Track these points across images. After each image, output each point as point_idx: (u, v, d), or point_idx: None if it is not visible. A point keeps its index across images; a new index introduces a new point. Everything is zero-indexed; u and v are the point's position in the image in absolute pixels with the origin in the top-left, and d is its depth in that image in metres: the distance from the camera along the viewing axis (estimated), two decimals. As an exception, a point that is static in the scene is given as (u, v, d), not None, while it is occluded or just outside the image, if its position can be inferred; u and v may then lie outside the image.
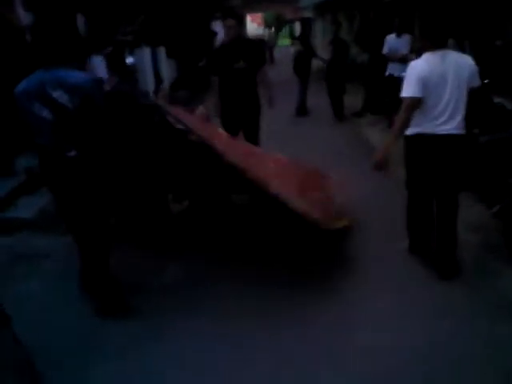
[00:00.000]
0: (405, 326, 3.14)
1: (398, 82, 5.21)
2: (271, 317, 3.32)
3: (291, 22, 35.28)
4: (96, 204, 3.32)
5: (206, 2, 15.17)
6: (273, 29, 37.32)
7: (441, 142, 3.44)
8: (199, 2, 14.54)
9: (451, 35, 4.28)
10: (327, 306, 3.40)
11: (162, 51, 12.59)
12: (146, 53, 11.12)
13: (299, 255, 4.10)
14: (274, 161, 4.55)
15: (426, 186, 3.65)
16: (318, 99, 10.49)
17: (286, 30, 39.57)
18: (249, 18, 36.31)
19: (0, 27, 5.97)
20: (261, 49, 6.05)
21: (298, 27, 29.70)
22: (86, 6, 10.56)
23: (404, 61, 7.01)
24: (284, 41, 36.43)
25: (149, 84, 11.23)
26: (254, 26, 37.82)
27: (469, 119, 3.52)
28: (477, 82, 3.44)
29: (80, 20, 10.69)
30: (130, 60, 9.49)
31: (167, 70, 13.09)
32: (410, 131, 3.56)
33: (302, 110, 10.43)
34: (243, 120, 5.41)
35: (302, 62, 10.30)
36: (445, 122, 3.40)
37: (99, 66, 7.87)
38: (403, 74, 3.88)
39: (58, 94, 3.04)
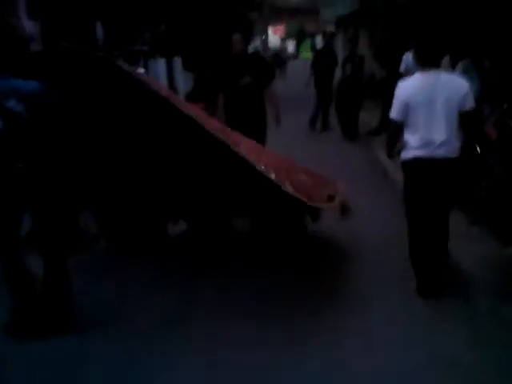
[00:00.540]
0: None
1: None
2: (271, 353, 3.05)
3: (313, 35, 35.17)
4: (47, 216, 3.23)
5: (227, 14, 15.10)
6: (288, 41, 37.28)
7: (434, 165, 3.38)
8: (220, 14, 14.47)
9: (445, 53, 4.29)
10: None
11: (178, 63, 12.49)
12: (160, 64, 11.01)
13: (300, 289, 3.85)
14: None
15: (426, 212, 3.50)
16: (332, 116, 10.24)
17: (307, 43, 39.51)
18: (271, 31, 36.34)
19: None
20: (268, 64, 5.88)
21: (319, 40, 29.54)
22: (105, 15, 10.56)
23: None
24: (305, 53, 36.32)
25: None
26: (276, 38, 37.85)
27: (483, 148, 3.31)
28: (469, 106, 3.35)
29: (99, 29, 10.69)
30: (140, 71, 9.31)
31: (183, 83, 12.97)
32: (405, 155, 3.50)
33: (324, 125, 10.18)
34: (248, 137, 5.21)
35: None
36: (437, 145, 3.33)
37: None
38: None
39: (12, 104, 2.97)
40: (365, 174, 6.84)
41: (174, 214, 4.70)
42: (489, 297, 3.45)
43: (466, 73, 5.93)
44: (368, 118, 9.95)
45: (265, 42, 30.02)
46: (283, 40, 37.52)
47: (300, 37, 39.57)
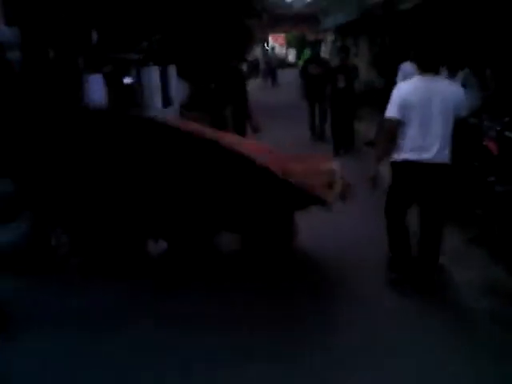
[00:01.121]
0: None
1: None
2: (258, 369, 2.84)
3: (314, 43, 35.01)
4: None
5: (224, 20, 14.87)
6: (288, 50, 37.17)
7: (425, 169, 3.37)
8: (218, 20, 14.24)
9: (444, 62, 4.24)
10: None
11: (172, 71, 12.23)
12: (153, 72, 10.76)
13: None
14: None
15: (404, 211, 3.59)
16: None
17: (307, 51, 39.40)
18: (271, 39, 36.21)
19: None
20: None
21: (322, 48, 29.37)
22: (101, 23, 10.33)
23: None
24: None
25: (156, 104, 10.85)
26: (276, 46, 37.71)
27: (482, 162, 3.15)
28: (463, 112, 3.40)
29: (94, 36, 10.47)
30: (127, 80, 9.05)
31: (178, 91, 12.70)
32: (397, 157, 3.49)
33: (320, 134, 9.81)
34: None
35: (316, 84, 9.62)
36: (429, 150, 3.32)
37: (97, 84, 7.47)
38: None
39: None
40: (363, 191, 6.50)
41: (154, 232, 4.41)
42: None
43: (465, 82, 5.71)
44: (365, 128, 9.64)
45: (264, 49, 29.76)
46: (289, 48, 37.39)
47: (300, 45, 39.47)
